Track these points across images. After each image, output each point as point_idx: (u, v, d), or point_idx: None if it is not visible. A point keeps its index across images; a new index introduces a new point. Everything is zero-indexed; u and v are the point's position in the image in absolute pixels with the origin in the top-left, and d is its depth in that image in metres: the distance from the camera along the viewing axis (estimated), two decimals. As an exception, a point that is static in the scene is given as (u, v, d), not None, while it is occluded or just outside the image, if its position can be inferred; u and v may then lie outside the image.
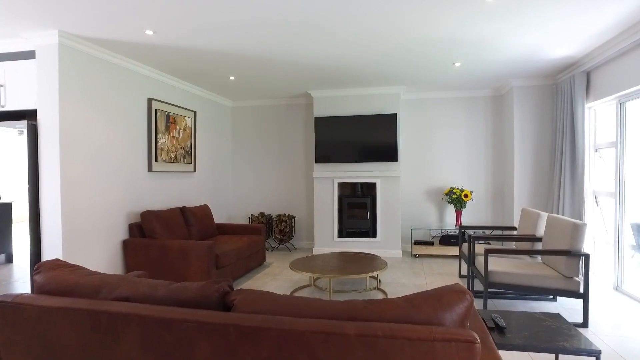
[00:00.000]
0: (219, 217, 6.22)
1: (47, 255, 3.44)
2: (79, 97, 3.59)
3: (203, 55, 4.02)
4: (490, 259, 3.51)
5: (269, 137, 6.55)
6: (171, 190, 5.01)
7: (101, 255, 3.87)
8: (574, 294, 3.01)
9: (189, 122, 5.27)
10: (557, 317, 2.11)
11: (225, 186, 6.51)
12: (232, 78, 4.98)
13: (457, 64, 4.40)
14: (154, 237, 4.07)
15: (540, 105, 5.10)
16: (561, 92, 4.64)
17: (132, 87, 4.27)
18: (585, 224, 2.99)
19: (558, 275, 3.07)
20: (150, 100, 4.52)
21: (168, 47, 3.77)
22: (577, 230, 3.00)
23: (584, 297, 2.97)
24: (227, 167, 6.58)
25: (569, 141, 4.44)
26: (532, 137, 5.12)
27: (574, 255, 2.99)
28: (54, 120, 3.38)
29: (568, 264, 3.02)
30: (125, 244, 4.06)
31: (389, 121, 5.52)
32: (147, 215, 4.10)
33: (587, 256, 2.96)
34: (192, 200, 5.45)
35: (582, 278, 3.00)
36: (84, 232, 3.67)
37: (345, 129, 5.65)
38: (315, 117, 5.76)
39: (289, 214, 6.17)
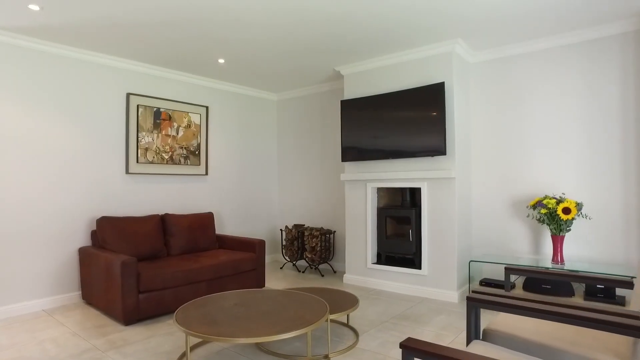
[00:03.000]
0: (241, 229, 5.34)
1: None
2: (21, 89, 3.35)
3: (187, 32, 3.30)
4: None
5: (306, 131, 5.46)
6: (172, 195, 4.49)
7: (52, 264, 3.60)
8: None
9: (195, 118, 4.69)
10: None
11: (256, 192, 5.64)
12: (221, 61, 4.16)
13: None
14: (106, 247, 3.58)
15: None
16: None
17: (99, 78, 3.92)
18: None
19: None
20: (125, 93, 4.11)
21: (137, 25, 3.19)
22: None
23: None
24: (256, 168, 5.72)
25: None
26: None
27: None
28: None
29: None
30: (80, 253, 3.73)
31: (435, 95, 3.72)
32: (100, 221, 3.65)
33: None
34: (200, 207, 4.83)
35: None
36: (30, 236, 3.45)
37: (382, 113, 4.09)
38: (341, 101, 4.38)
39: (323, 228, 4.93)
